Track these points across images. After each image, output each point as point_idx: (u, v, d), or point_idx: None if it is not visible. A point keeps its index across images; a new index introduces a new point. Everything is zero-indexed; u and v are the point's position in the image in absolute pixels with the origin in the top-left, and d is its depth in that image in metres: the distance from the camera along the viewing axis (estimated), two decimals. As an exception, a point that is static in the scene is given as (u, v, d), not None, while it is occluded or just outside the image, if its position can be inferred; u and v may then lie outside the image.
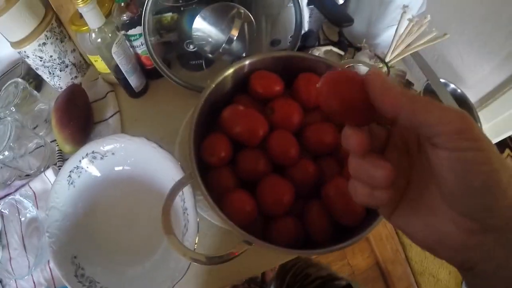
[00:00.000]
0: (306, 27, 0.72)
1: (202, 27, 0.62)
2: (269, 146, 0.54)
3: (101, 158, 0.64)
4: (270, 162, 0.54)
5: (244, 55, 0.69)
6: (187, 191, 0.57)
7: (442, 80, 0.77)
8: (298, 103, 0.57)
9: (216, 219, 0.57)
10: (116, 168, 0.65)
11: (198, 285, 0.62)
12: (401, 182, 0.26)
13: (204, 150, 0.53)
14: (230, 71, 0.56)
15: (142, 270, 0.60)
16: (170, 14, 0.68)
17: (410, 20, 0.72)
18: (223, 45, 0.62)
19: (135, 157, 0.63)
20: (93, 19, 0.58)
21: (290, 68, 0.59)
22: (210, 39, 0.64)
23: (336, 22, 0.59)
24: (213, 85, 0.54)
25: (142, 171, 0.64)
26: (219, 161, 0.54)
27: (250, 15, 0.62)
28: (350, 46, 0.80)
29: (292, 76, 0.59)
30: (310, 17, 0.72)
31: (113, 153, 0.64)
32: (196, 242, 0.55)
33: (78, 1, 0.54)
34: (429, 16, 0.71)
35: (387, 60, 0.72)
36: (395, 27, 0.71)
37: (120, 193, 0.65)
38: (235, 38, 0.62)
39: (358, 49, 0.78)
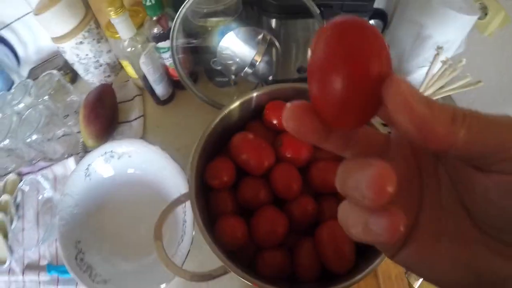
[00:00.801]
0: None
1: (229, 48, 0.63)
2: (271, 178, 0.54)
3: (118, 158, 0.67)
4: (270, 193, 0.54)
5: (270, 78, 0.69)
6: (189, 204, 0.59)
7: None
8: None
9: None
10: (129, 171, 0.68)
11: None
12: (411, 213, 0.19)
13: (208, 172, 0.54)
14: (244, 99, 0.56)
15: (137, 267, 0.63)
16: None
17: (444, 62, 0.68)
18: (246, 68, 0.62)
19: (148, 163, 0.66)
20: (124, 30, 0.60)
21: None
22: (235, 61, 0.64)
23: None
24: (226, 112, 0.55)
25: (153, 178, 0.67)
26: (220, 185, 0.54)
27: (276, 41, 0.62)
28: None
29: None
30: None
31: (129, 156, 0.67)
32: (187, 254, 0.57)
33: (111, 13, 0.55)
34: (464, 60, 0.68)
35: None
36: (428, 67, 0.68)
37: (129, 194, 0.69)
38: (257, 63, 0.62)
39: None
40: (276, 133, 0.58)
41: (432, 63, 0.68)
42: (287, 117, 0.18)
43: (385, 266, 1.43)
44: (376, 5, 0.73)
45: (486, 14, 0.79)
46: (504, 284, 0.17)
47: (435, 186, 0.19)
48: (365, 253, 0.49)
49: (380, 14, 0.72)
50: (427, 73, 0.69)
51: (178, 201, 0.52)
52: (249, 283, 0.45)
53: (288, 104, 0.18)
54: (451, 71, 0.69)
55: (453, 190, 0.18)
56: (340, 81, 0.15)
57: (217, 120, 0.55)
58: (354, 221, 0.17)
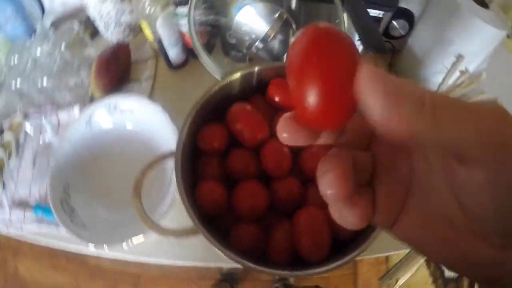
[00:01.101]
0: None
1: (245, 21, 0.63)
2: (262, 153, 0.53)
3: (121, 112, 0.68)
4: (259, 167, 0.53)
5: (285, 59, 0.68)
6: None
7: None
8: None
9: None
10: (128, 126, 0.69)
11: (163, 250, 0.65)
12: (399, 192, 0.20)
13: (200, 135, 0.54)
14: (246, 72, 0.55)
15: (117, 217, 0.65)
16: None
17: (463, 72, 0.66)
18: (257, 42, 0.62)
19: (148, 121, 0.67)
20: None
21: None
22: (250, 35, 0.64)
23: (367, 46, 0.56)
24: (226, 82, 0.55)
25: (150, 136, 0.67)
26: (210, 149, 0.54)
27: (292, 21, 0.61)
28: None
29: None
30: (358, 40, 0.69)
31: (131, 111, 0.68)
32: (166, 212, 0.58)
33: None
34: (484, 74, 0.65)
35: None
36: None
37: (125, 149, 0.70)
38: (270, 38, 0.61)
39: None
40: (277, 111, 0.57)
41: (449, 70, 0.66)
42: (281, 129, 0.20)
43: (367, 275, 1.39)
44: (405, 5, 0.72)
45: (516, 34, 0.76)
46: (490, 268, 0.17)
47: (426, 170, 0.19)
48: (341, 248, 0.48)
49: (405, 14, 0.70)
50: (443, 80, 0.66)
51: (162, 156, 0.52)
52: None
53: (283, 117, 0.20)
54: (468, 83, 0.66)
55: (444, 176, 0.18)
56: (317, 85, 0.16)
57: (216, 88, 0.54)
58: (333, 209, 0.20)
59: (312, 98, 0.16)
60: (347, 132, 0.21)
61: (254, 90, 0.59)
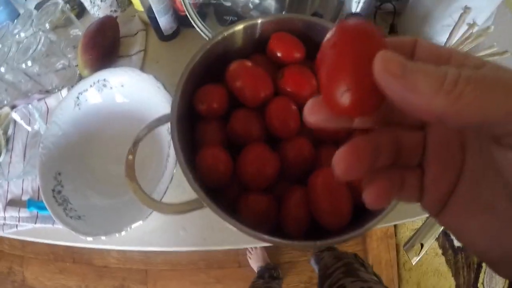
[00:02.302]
0: (352, 7, 0.61)
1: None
2: (267, 112, 0.44)
3: (111, 88, 0.59)
4: (264, 129, 0.45)
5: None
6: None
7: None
8: (313, 75, 0.47)
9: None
10: (118, 99, 0.60)
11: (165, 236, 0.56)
12: (449, 176, 0.18)
13: (196, 96, 0.45)
14: (249, 23, 0.46)
15: (113, 204, 0.56)
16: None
17: (470, 25, 0.59)
18: (253, -2, 0.54)
19: (140, 93, 0.58)
20: None
21: (312, 39, 0.49)
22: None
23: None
24: (227, 34, 0.45)
25: (142, 110, 0.58)
26: (209, 111, 0.45)
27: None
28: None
29: (314, 49, 0.49)
30: (361, -1, 0.61)
31: (122, 85, 0.59)
32: (165, 191, 0.49)
33: None
34: (492, 27, 0.59)
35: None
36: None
37: (117, 128, 0.61)
38: (266, -6, 0.53)
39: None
40: (279, 67, 0.48)
41: (456, 22, 0.58)
42: (309, 111, 0.19)
43: (376, 251, 1.32)
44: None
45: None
46: None
47: (477, 156, 0.17)
48: (362, 214, 0.39)
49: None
50: (450, 33, 0.59)
51: (155, 122, 0.44)
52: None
53: (310, 101, 0.19)
54: (476, 36, 0.59)
55: (490, 161, 0.16)
56: (347, 76, 0.16)
57: (218, 38, 0.45)
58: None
59: (341, 87, 0.16)
60: (396, 112, 0.19)
61: (254, 49, 0.50)
